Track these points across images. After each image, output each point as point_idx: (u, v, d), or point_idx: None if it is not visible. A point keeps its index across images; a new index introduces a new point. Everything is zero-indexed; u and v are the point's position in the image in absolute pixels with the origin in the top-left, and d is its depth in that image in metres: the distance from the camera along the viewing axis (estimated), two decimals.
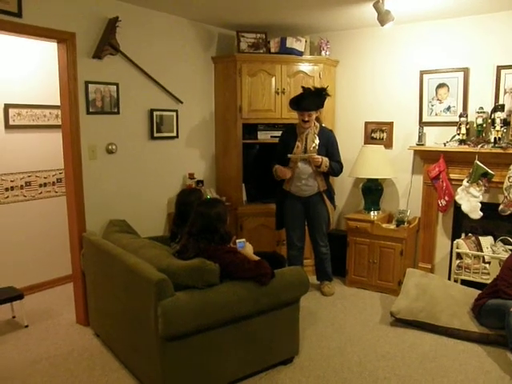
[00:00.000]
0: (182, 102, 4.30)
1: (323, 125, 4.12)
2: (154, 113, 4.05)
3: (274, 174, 4.07)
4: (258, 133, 4.61)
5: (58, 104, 3.55)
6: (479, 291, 3.62)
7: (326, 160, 3.92)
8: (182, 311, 2.49)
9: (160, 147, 4.18)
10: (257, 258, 2.93)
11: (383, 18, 3.46)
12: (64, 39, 3.34)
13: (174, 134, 4.29)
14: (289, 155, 3.94)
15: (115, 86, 3.72)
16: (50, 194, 4.50)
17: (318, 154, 3.91)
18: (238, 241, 3.06)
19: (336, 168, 4.02)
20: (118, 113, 3.76)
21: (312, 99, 3.89)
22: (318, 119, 4.06)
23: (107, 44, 3.58)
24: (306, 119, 3.89)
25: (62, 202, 3.82)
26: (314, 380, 2.91)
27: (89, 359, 3.16)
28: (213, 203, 2.97)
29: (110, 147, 3.72)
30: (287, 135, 4.11)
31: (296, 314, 3.09)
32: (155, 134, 4.09)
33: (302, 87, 4.00)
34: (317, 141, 3.95)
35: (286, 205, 4.14)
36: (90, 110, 3.57)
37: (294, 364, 3.09)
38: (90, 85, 3.54)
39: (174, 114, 4.26)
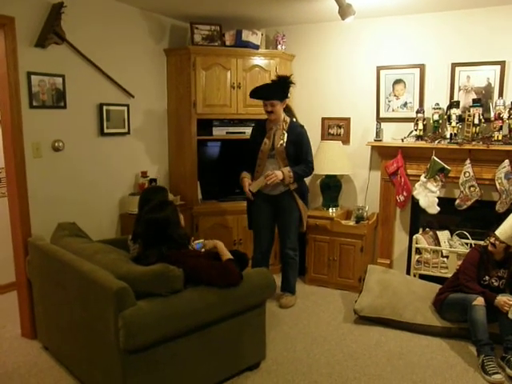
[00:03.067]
0: (133, 97, 4.06)
1: (294, 119, 3.89)
2: (104, 107, 3.79)
3: (240, 182, 3.89)
4: (213, 129, 4.44)
5: None
6: (439, 285, 3.67)
7: (287, 173, 3.67)
8: (145, 321, 2.31)
9: (110, 144, 3.92)
10: (229, 255, 2.79)
11: (344, 11, 3.41)
12: (1, 24, 3.01)
13: (126, 130, 4.04)
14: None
15: (61, 78, 3.43)
16: None
17: (286, 152, 3.71)
18: (196, 242, 2.91)
19: (303, 172, 3.76)
20: (64, 107, 3.48)
21: (272, 87, 3.70)
22: (289, 113, 3.87)
23: (51, 32, 3.29)
24: (269, 109, 3.68)
25: (3, 203, 3.50)
26: None
27: (38, 376, 2.89)
28: (160, 207, 2.73)
29: (56, 144, 3.44)
30: (256, 131, 3.93)
31: (262, 317, 2.97)
32: (105, 130, 3.83)
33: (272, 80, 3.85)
34: (285, 138, 3.74)
35: (255, 204, 3.93)
36: (34, 104, 3.27)
37: (261, 369, 2.97)
38: (32, 76, 3.24)
39: (125, 108, 4.01)
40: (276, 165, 3.77)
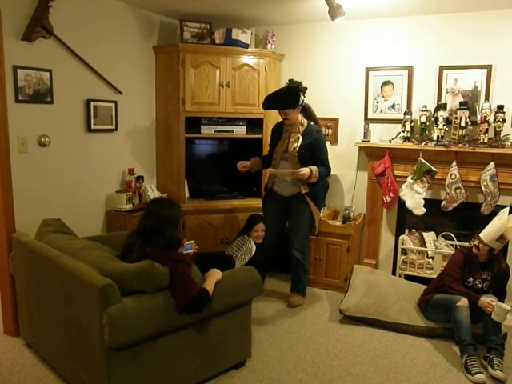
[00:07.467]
0: (121, 93, 4.03)
1: (311, 123, 3.82)
2: (92, 103, 3.75)
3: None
4: (202, 127, 4.42)
5: None
6: (424, 286, 3.70)
7: (315, 171, 3.61)
8: (130, 319, 2.29)
9: (98, 140, 3.89)
10: (212, 285, 2.63)
11: (334, 12, 3.42)
12: None
13: (113, 127, 4.01)
14: (271, 170, 3.77)
15: (48, 73, 3.39)
16: None
17: (299, 157, 3.67)
18: (186, 243, 2.89)
19: (324, 174, 3.71)
20: (51, 102, 3.44)
21: (284, 97, 3.66)
22: (308, 113, 3.82)
23: (39, 25, 3.25)
24: (283, 117, 3.69)
25: None
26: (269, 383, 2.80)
27: (19, 374, 2.84)
28: (168, 204, 2.78)
29: (42, 139, 3.40)
30: (274, 132, 3.95)
31: (248, 315, 2.97)
32: (92, 127, 3.80)
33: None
34: (299, 142, 3.69)
35: (267, 203, 3.93)
36: (20, 99, 3.23)
37: (247, 368, 2.97)
38: (18, 70, 3.20)
39: (113, 105, 3.98)
40: (289, 167, 3.72)
